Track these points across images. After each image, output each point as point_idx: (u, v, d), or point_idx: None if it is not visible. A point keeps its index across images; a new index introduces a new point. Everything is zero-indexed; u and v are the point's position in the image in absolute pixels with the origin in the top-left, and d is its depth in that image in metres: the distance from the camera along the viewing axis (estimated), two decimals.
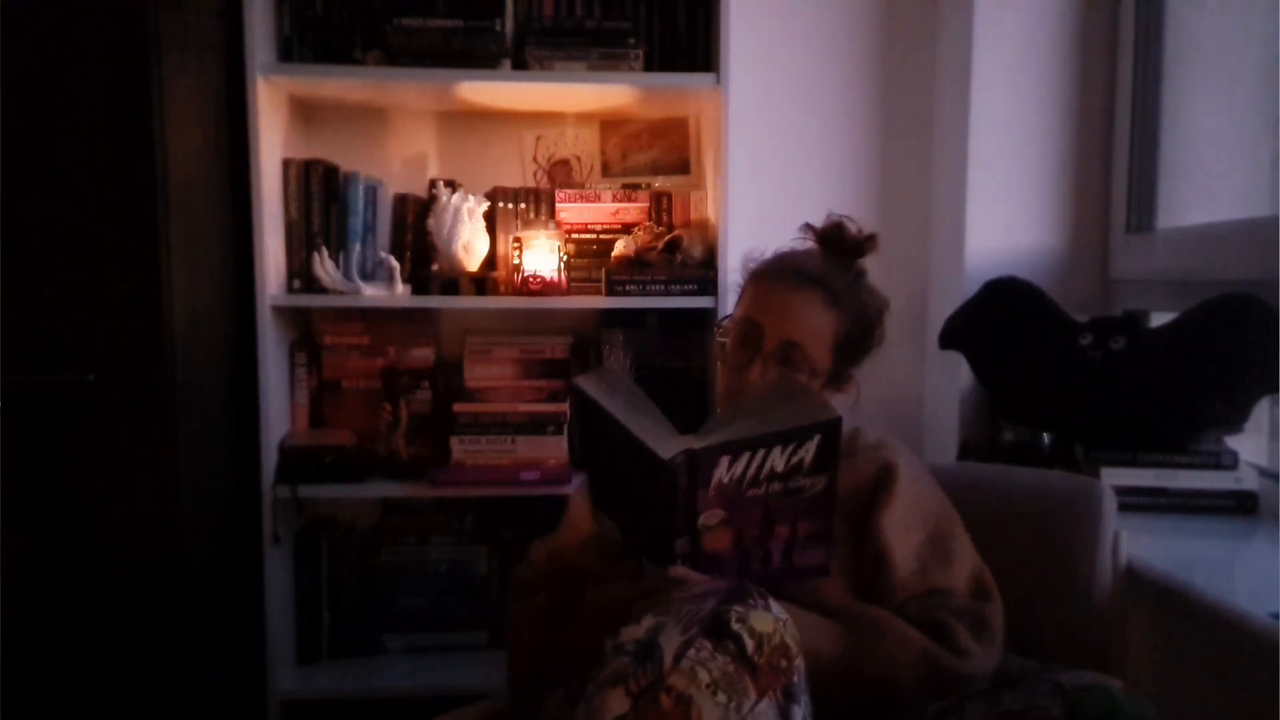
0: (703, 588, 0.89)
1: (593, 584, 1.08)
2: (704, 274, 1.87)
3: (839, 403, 1.17)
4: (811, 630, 0.96)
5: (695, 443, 0.90)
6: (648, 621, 0.85)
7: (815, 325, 1.14)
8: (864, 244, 1.21)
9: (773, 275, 1.18)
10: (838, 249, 1.21)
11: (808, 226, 1.24)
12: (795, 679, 0.85)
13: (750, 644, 0.83)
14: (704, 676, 0.80)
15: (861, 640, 1.00)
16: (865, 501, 1.12)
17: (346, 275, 1.86)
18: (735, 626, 0.83)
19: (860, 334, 1.18)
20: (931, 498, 1.16)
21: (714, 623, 0.83)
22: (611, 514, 1.03)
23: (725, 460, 0.90)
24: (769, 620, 0.85)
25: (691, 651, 0.81)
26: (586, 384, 0.98)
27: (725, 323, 1.22)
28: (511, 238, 1.91)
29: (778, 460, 0.91)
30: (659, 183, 2.06)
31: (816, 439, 0.91)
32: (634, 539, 1.00)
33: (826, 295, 1.15)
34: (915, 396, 2.11)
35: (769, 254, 1.23)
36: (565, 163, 2.08)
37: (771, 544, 0.95)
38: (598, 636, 1.01)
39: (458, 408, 1.92)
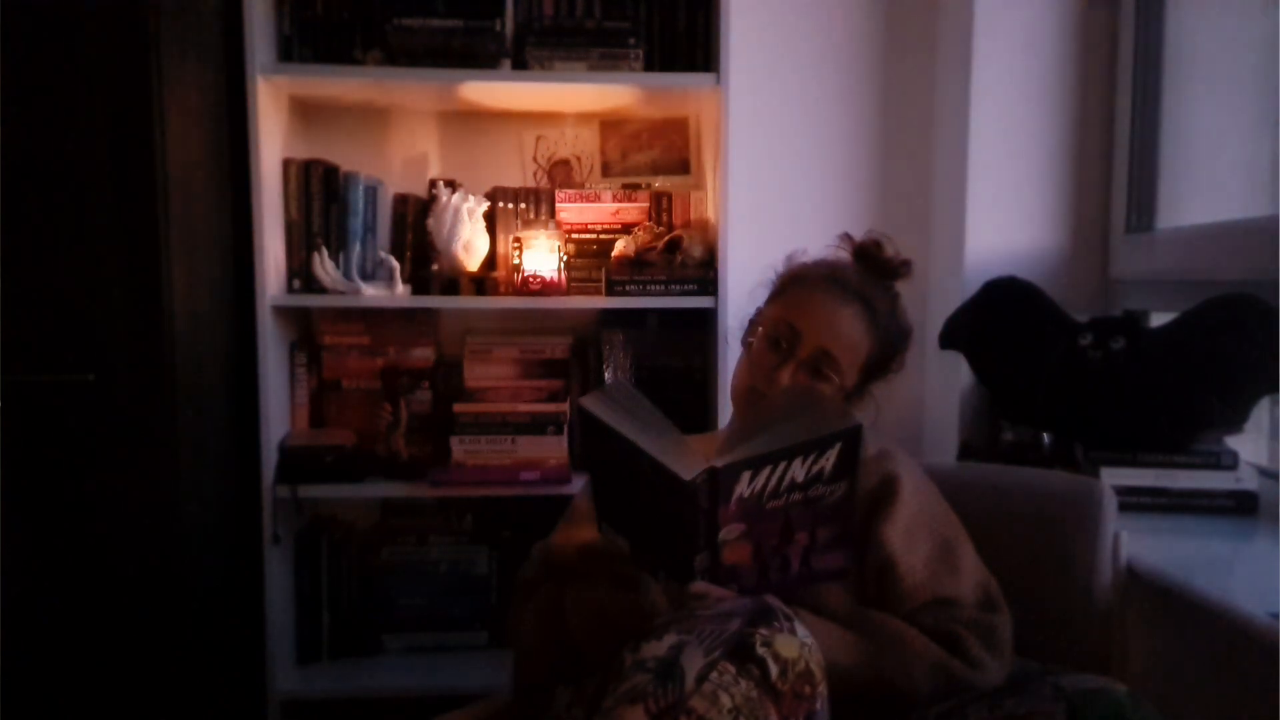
0: (726, 605, 0.87)
1: (580, 584, 1.06)
2: (704, 274, 1.87)
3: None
4: (829, 639, 0.95)
5: (717, 460, 0.88)
6: (669, 638, 0.83)
7: (853, 341, 1.13)
8: (900, 268, 1.21)
9: (818, 283, 1.16)
10: (873, 267, 1.21)
11: (846, 236, 1.23)
12: (818, 706, 0.84)
13: (775, 669, 0.82)
14: (726, 701, 0.79)
15: (879, 650, 0.99)
16: (867, 513, 1.11)
17: (346, 275, 1.86)
18: (760, 650, 0.82)
19: (889, 359, 1.18)
20: (935, 508, 1.16)
21: (738, 645, 0.82)
22: (620, 530, 1.01)
23: (746, 475, 0.89)
24: (794, 645, 0.84)
25: (714, 674, 0.80)
26: (593, 405, 0.95)
27: (756, 319, 1.20)
28: (511, 238, 1.91)
29: (798, 471, 0.90)
30: (659, 183, 2.06)
31: (837, 447, 0.90)
32: (647, 555, 0.98)
33: (869, 314, 1.14)
34: (915, 396, 2.11)
35: (809, 258, 1.22)
36: (565, 163, 2.08)
37: (790, 551, 0.94)
38: (588, 637, 1.00)
39: (458, 408, 1.91)
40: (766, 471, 0.89)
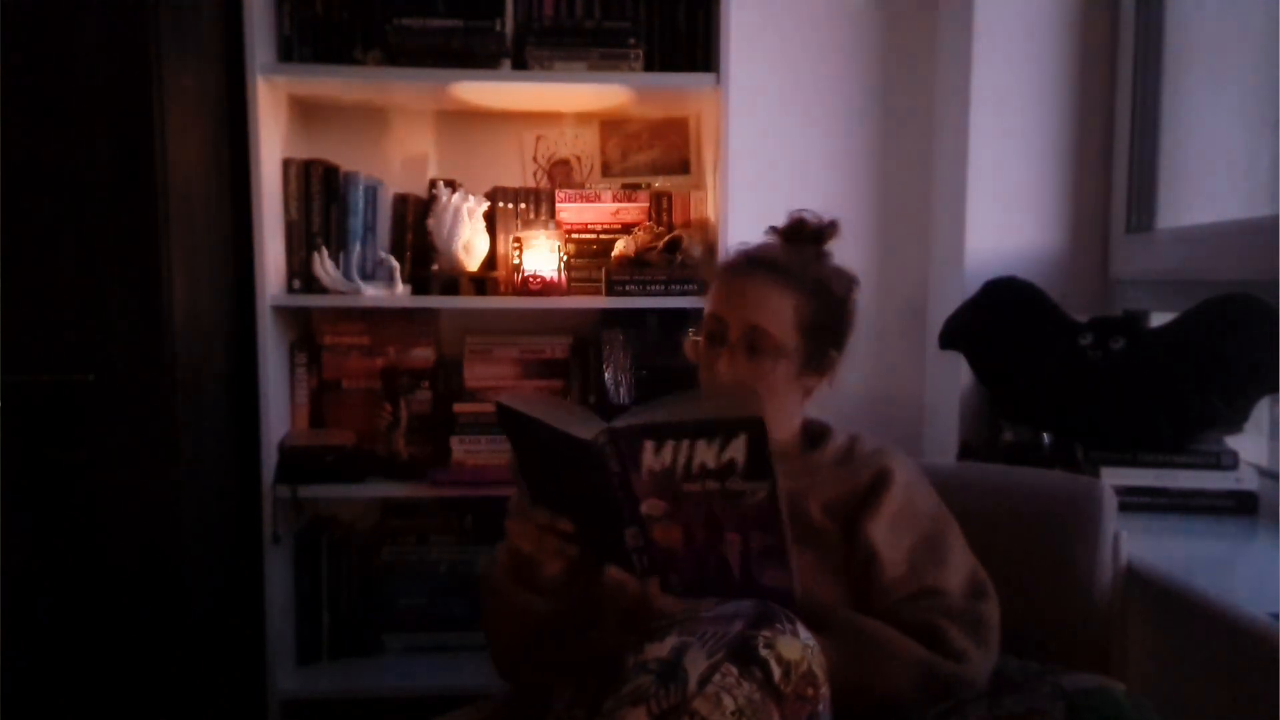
0: (729, 607, 0.87)
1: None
2: (704, 274, 1.87)
3: (823, 390, 1.18)
4: None
5: (616, 422, 0.91)
6: (672, 640, 0.83)
7: (772, 305, 1.13)
8: (824, 231, 1.22)
9: (728, 268, 1.19)
10: (801, 240, 1.22)
11: (772, 229, 1.25)
12: (821, 708, 0.84)
13: (777, 672, 0.82)
14: (729, 703, 0.79)
15: (860, 655, 0.99)
16: (858, 506, 1.11)
17: (346, 275, 1.86)
18: (763, 653, 0.82)
19: (826, 310, 1.16)
20: (925, 502, 1.15)
21: (741, 647, 0.82)
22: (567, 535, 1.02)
23: (650, 445, 0.90)
24: (797, 647, 0.84)
25: (717, 676, 0.80)
26: (510, 400, 0.98)
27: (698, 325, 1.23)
28: (511, 238, 1.91)
29: (706, 455, 0.90)
30: (659, 183, 2.06)
31: (744, 439, 0.89)
32: (589, 549, 1.00)
33: (780, 275, 1.14)
34: (915, 396, 2.11)
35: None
36: (565, 163, 2.08)
37: (725, 551, 0.94)
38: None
39: (458, 408, 1.92)
40: (670, 446, 0.90)
